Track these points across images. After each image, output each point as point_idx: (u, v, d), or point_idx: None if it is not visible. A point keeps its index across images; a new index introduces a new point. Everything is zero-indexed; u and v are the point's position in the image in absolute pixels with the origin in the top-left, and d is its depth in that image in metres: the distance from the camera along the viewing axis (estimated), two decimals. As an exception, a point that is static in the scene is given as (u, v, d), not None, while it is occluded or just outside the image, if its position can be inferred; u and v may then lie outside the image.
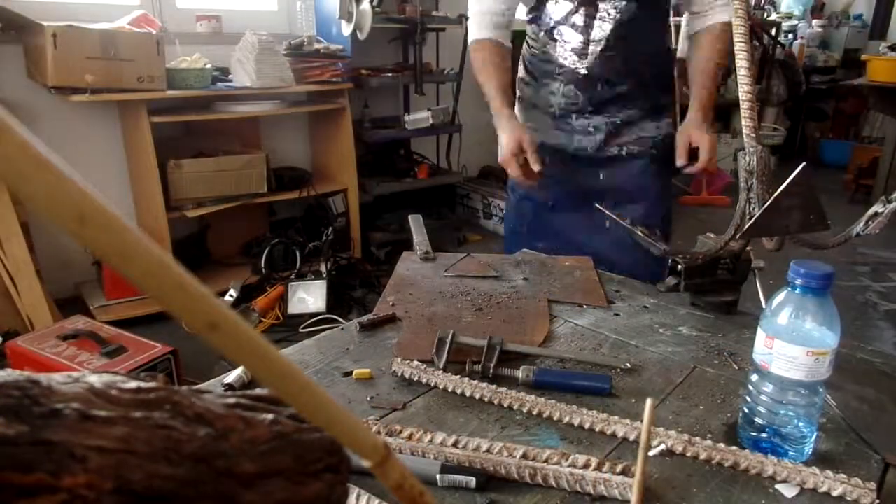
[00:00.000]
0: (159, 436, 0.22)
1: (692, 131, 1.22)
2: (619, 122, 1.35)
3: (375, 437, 0.21)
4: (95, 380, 0.23)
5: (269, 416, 0.25)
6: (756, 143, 0.85)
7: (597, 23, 1.26)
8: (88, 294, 2.74)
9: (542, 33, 1.34)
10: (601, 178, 1.38)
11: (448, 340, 0.81)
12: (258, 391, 0.27)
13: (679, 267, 0.93)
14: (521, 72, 1.47)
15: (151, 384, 0.24)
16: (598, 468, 0.59)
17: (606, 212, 1.03)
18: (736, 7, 0.86)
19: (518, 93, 1.48)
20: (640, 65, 1.32)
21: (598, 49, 1.28)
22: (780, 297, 0.64)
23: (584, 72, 1.30)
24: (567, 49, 1.31)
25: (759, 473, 0.62)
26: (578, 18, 1.27)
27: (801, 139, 5.97)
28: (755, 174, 0.84)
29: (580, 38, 1.28)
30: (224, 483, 0.22)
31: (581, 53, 1.30)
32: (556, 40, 1.32)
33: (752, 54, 0.87)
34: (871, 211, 0.83)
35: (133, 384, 0.24)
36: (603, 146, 1.36)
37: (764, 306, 1.00)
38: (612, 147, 1.36)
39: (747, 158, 0.84)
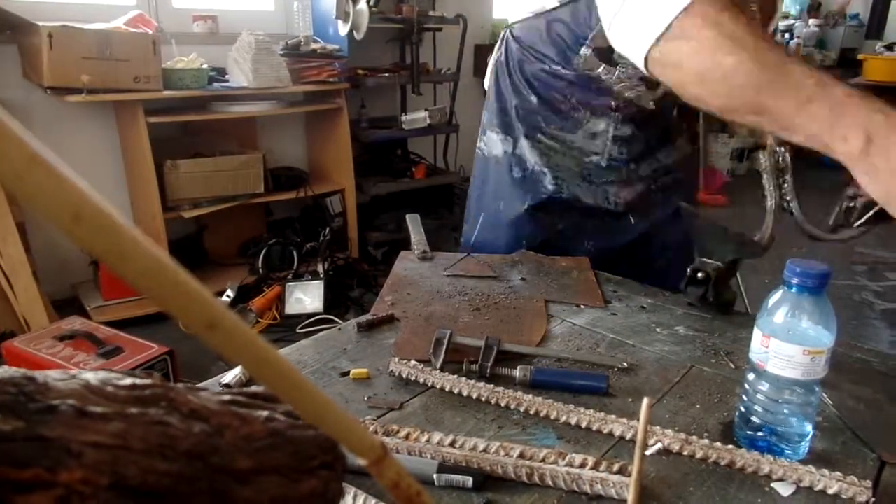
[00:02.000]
0: (154, 432, 0.22)
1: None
2: (660, 164, 1.10)
3: (372, 436, 0.21)
4: (91, 376, 0.23)
5: (265, 413, 0.25)
6: (779, 141, 0.85)
7: None
8: (85, 295, 2.74)
9: (589, 51, 0.97)
10: (632, 223, 1.12)
11: (445, 340, 0.81)
12: (254, 388, 0.27)
13: (699, 275, 0.92)
14: (521, 98, 1.09)
15: (147, 381, 0.24)
16: (595, 467, 0.60)
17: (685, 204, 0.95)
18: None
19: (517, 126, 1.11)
20: None
21: None
22: (777, 296, 0.64)
23: (652, 105, 0.99)
24: (635, 75, 0.96)
25: (755, 472, 0.62)
26: None
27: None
28: (788, 170, 0.84)
29: None
30: (219, 479, 0.22)
31: (652, 82, 0.94)
32: (616, 63, 0.97)
33: None
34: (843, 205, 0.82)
35: (128, 381, 0.24)
36: (642, 195, 1.12)
37: (747, 303, 1.01)
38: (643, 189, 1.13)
39: (777, 156, 0.84)
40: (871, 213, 0.76)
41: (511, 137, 1.13)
